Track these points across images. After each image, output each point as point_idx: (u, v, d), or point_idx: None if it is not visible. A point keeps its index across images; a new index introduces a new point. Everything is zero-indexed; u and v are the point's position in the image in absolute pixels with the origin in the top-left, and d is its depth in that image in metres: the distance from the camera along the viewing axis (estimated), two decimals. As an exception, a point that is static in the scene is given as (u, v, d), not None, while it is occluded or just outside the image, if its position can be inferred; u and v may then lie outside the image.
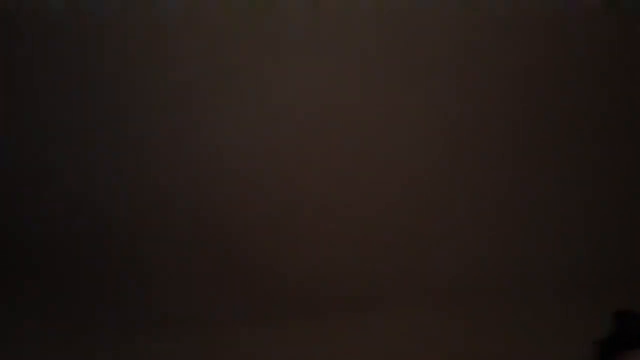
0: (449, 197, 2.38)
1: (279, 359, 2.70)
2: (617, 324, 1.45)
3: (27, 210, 2.34)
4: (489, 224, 2.45)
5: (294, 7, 1.94)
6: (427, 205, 2.41)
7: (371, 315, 2.72)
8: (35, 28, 1.95)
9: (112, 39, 1.99)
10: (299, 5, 1.94)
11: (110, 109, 2.15)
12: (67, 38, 1.97)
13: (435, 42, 2.01)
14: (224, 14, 1.94)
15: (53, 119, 2.16)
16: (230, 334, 2.65)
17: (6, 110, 2.13)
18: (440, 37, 2.00)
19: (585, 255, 2.54)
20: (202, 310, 2.66)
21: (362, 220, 2.44)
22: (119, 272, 2.53)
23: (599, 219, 2.42)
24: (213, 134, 2.22)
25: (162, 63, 2.05)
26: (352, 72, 2.09)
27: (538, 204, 2.39)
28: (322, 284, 2.63)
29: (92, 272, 2.51)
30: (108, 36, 1.98)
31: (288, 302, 2.69)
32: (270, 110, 2.17)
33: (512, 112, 2.18)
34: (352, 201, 2.38)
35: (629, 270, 2.56)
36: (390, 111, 2.18)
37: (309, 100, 2.15)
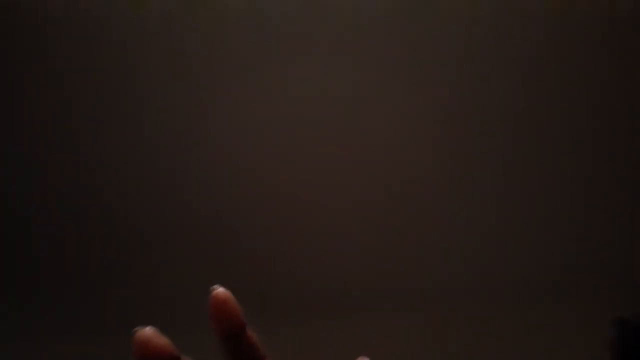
0: (450, 200, 2.38)
1: (279, 358, 2.70)
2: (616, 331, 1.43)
3: (27, 210, 2.34)
4: (489, 226, 2.45)
5: (300, 7, 1.94)
6: (429, 209, 2.41)
7: (373, 316, 2.72)
8: (36, 26, 1.95)
9: (113, 37, 1.99)
10: (304, 5, 1.94)
11: (111, 108, 2.15)
12: (69, 36, 1.97)
13: (437, 42, 2.01)
14: (230, 11, 1.94)
15: (54, 118, 2.16)
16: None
17: (7, 110, 2.13)
18: (442, 38, 2.00)
19: (586, 257, 2.54)
20: (202, 310, 2.66)
21: (366, 222, 2.43)
22: (119, 271, 2.52)
23: (599, 221, 2.42)
24: (215, 133, 2.22)
25: (162, 62, 2.05)
26: (355, 73, 2.09)
27: (540, 206, 2.39)
28: (324, 284, 2.63)
29: (92, 272, 2.51)
30: (109, 34, 1.98)
31: (288, 303, 2.68)
32: (273, 110, 2.17)
33: (514, 114, 2.18)
34: (356, 202, 2.38)
35: (629, 272, 2.56)
36: (393, 113, 2.18)
37: (312, 100, 2.15)
